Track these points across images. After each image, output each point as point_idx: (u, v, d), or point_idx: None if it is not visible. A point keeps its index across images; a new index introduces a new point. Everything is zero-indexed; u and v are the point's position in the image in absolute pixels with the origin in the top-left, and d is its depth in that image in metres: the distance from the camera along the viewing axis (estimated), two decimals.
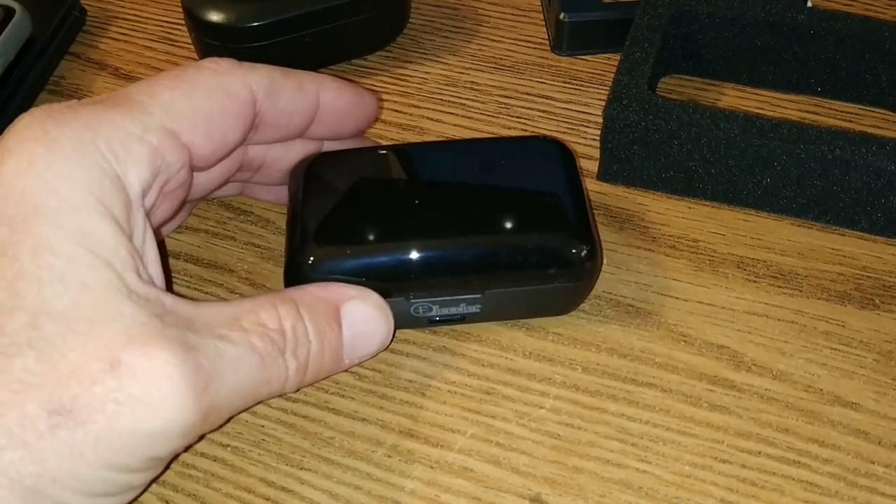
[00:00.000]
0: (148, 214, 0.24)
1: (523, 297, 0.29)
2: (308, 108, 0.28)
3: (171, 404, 0.21)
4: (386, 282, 0.27)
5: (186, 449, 0.25)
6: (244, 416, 0.28)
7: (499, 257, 0.27)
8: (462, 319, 0.29)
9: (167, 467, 0.26)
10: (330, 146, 0.32)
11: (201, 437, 0.26)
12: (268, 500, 0.26)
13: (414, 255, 0.27)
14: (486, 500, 0.26)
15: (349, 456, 0.27)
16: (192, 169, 0.25)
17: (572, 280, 0.28)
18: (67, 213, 0.21)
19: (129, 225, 0.22)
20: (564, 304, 0.29)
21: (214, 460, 0.27)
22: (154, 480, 0.25)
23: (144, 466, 0.22)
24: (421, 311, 0.28)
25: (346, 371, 0.29)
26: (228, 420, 0.26)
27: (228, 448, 0.27)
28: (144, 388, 0.20)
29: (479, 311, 0.29)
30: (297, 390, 0.25)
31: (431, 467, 0.26)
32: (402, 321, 0.29)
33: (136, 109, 0.23)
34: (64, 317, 0.20)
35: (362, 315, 0.26)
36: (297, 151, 0.31)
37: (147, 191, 0.23)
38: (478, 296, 0.28)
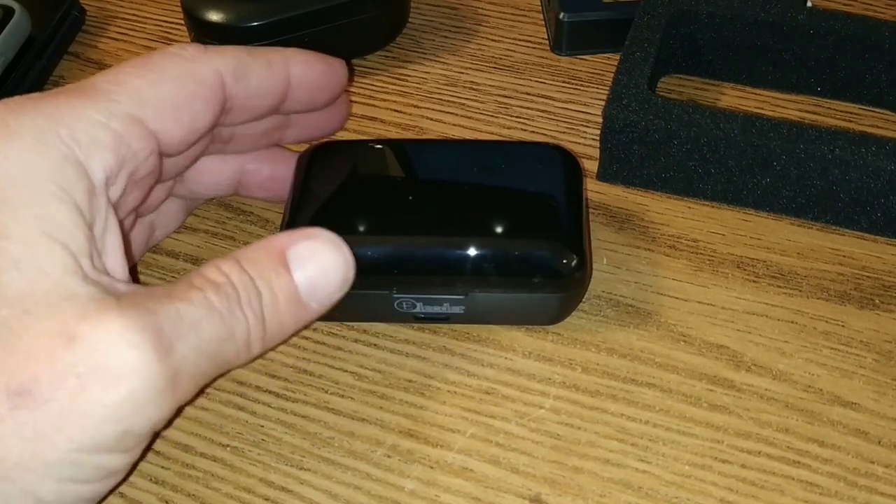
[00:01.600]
0: (117, 204, 0.23)
1: (507, 303, 0.28)
2: (279, 86, 0.28)
3: (134, 370, 0.20)
4: (370, 274, 0.27)
5: (167, 426, 0.25)
6: (244, 416, 0.28)
7: (483, 261, 0.27)
8: (447, 319, 0.29)
9: (145, 454, 0.26)
10: (298, 119, 0.31)
11: (180, 412, 0.25)
12: (267, 500, 0.26)
13: (398, 250, 0.27)
14: (486, 500, 0.26)
15: (349, 456, 0.27)
16: (162, 156, 0.25)
17: (557, 290, 0.28)
18: (26, 199, 0.21)
19: (91, 212, 0.22)
20: (551, 313, 0.29)
21: (214, 460, 0.27)
22: (132, 469, 0.24)
23: (118, 445, 0.21)
24: (405, 306, 0.28)
25: (343, 371, 0.29)
26: (203, 390, 0.25)
27: (228, 448, 0.27)
28: (105, 358, 0.20)
29: (462, 312, 0.29)
30: (266, 350, 0.24)
31: (431, 467, 0.26)
32: (386, 314, 0.29)
33: (100, 98, 0.23)
34: (20, 300, 0.20)
35: (310, 253, 0.24)
36: (266, 123, 0.30)
37: (112, 178, 0.23)
38: (461, 297, 0.28)
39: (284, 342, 0.27)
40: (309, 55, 0.29)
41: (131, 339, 0.20)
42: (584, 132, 0.37)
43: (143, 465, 0.27)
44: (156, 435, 0.24)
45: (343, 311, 0.29)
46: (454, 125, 0.37)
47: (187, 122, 0.25)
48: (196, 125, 0.25)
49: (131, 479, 0.26)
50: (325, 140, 0.32)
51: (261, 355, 0.24)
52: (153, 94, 0.24)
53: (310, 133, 0.32)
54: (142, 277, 0.32)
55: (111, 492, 0.23)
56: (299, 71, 0.28)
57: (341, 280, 0.25)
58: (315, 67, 0.29)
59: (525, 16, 0.42)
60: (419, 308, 0.28)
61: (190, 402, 0.25)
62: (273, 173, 0.31)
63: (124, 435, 0.21)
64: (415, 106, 0.38)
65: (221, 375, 0.25)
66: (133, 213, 0.27)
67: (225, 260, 0.23)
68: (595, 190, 0.34)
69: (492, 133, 0.37)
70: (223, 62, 0.26)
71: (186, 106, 0.25)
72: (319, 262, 0.24)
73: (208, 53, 0.26)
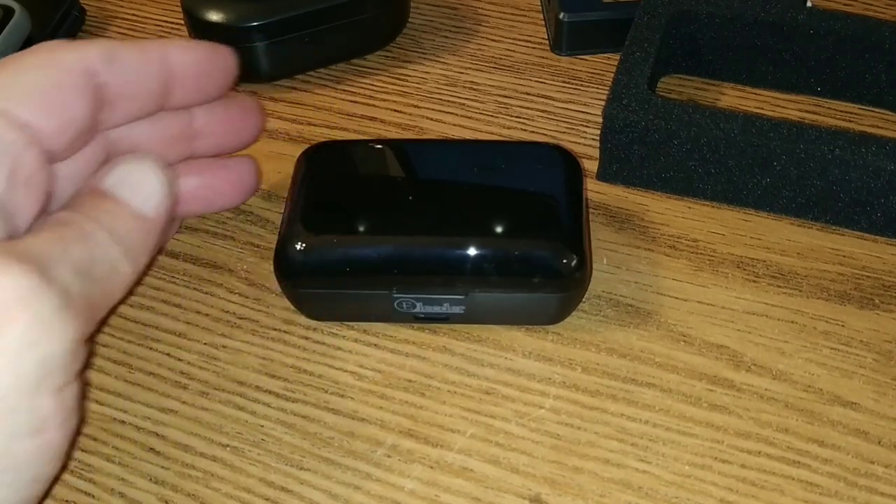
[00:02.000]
0: (6, 204, 0.23)
1: (508, 303, 0.28)
2: (157, 71, 0.28)
3: (27, 295, 0.20)
4: (369, 274, 0.27)
5: (88, 362, 0.25)
6: (244, 416, 0.28)
7: (483, 261, 0.27)
8: (446, 319, 0.29)
9: (81, 424, 0.27)
10: (205, 127, 0.30)
11: (92, 342, 0.27)
12: (267, 500, 0.26)
13: (398, 250, 0.27)
14: (486, 500, 0.26)
15: (349, 456, 0.27)
16: (49, 155, 0.25)
17: (557, 290, 0.28)
18: None
19: None
20: (551, 313, 0.29)
21: (214, 460, 0.27)
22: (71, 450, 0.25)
23: (43, 379, 0.21)
24: (404, 306, 0.28)
25: (343, 371, 0.29)
26: (107, 315, 0.28)
27: (228, 448, 0.27)
28: None
29: (463, 312, 0.29)
30: (138, 271, 0.25)
31: (431, 467, 0.26)
32: (386, 314, 0.29)
33: None
34: None
35: (117, 176, 0.25)
36: (165, 126, 0.29)
37: None
38: (461, 297, 0.28)
39: (155, 258, 0.29)
40: (189, 41, 0.29)
41: (12, 270, 0.21)
42: (584, 132, 0.37)
43: (142, 465, 0.27)
44: (84, 387, 0.25)
45: (343, 311, 0.30)
46: (454, 125, 0.37)
47: (59, 110, 0.25)
48: (71, 114, 0.25)
49: (131, 479, 0.26)
50: (326, 140, 0.32)
51: (136, 277, 0.25)
52: (16, 85, 0.24)
53: (221, 142, 0.31)
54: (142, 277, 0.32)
55: (56, 477, 0.24)
56: (178, 56, 0.28)
57: (158, 181, 0.26)
58: (195, 52, 0.29)
59: (525, 16, 0.42)
60: (419, 308, 0.28)
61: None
62: (196, 185, 0.31)
63: (43, 363, 0.21)
64: (415, 106, 0.38)
65: (115, 307, 0.27)
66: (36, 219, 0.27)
67: (56, 213, 0.25)
68: (595, 190, 0.34)
69: (492, 133, 0.37)
70: (90, 48, 0.26)
71: (55, 93, 0.25)
72: (130, 176, 0.26)
73: (75, 43, 0.26)
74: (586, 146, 0.36)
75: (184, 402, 0.28)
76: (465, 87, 0.39)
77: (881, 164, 0.30)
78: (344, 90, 0.39)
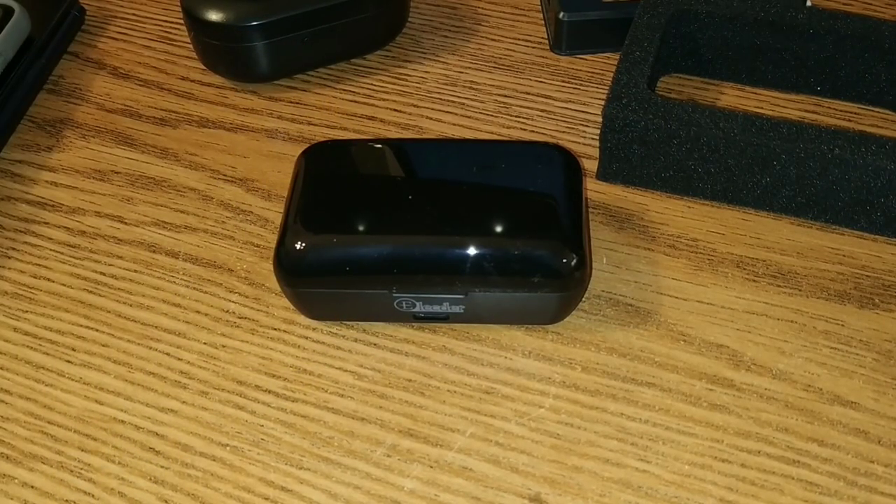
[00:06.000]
0: None
1: (507, 302, 0.28)
2: None
3: None
4: (369, 274, 0.27)
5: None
6: (243, 415, 0.28)
7: (482, 260, 0.27)
8: (446, 318, 0.29)
9: None
10: None
11: None
12: (267, 499, 0.26)
13: (398, 250, 0.27)
14: (486, 500, 0.26)
15: (348, 455, 0.27)
16: None
17: (557, 290, 0.28)
18: None
19: None
20: (550, 313, 0.29)
21: (213, 460, 0.27)
22: None
23: None
24: (404, 305, 0.28)
25: (342, 371, 0.29)
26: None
27: (228, 448, 0.27)
28: None
29: (462, 311, 0.29)
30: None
31: (431, 467, 0.26)
32: (386, 314, 0.29)
33: None
34: None
35: None
36: None
37: None
38: (461, 297, 0.28)
39: None
40: None
41: None
42: (584, 131, 0.37)
43: (142, 465, 0.27)
44: None
45: (343, 310, 0.30)
46: (454, 125, 0.37)
47: None
48: None
49: (131, 479, 0.26)
50: (325, 139, 0.32)
51: None
52: None
53: None
54: (141, 277, 0.32)
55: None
56: None
57: None
58: None
59: (525, 15, 0.42)
60: (419, 307, 0.28)
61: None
62: None
63: None
64: (414, 105, 0.38)
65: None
66: None
67: None
68: (595, 189, 0.34)
69: (491, 133, 0.37)
70: None
71: None
72: None
73: None
74: (586, 146, 0.36)
75: (184, 402, 0.28)
76: (464, 86, 0.39)
77: (881, 164, 0.30)
78: (344, 90, 0.39)
